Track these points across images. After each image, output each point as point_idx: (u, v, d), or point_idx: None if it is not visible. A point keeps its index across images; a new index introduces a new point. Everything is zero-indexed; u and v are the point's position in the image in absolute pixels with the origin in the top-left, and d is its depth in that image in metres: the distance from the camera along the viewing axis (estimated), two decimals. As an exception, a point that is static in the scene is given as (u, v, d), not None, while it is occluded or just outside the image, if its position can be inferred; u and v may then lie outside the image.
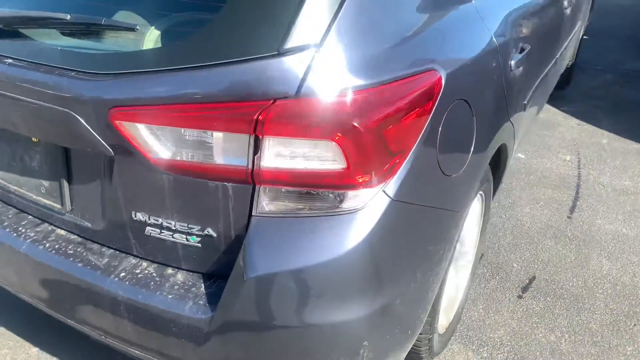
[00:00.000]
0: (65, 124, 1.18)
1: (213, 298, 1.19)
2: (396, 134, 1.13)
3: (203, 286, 1.24)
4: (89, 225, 1.35)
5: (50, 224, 1.44)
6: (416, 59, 1.22)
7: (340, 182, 1.10)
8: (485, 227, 2.15)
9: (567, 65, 4.19)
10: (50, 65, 1.18)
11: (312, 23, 1.06)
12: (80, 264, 1.31)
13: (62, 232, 1.42)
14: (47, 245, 1.38)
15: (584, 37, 4.83)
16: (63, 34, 1.22)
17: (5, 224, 1.47)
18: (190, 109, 1.07)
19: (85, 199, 1.33)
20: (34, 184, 1.42)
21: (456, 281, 1.94)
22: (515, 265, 2.46)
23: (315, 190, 1.12)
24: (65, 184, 1.34)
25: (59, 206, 1.38)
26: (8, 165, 1.47)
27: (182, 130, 1.10)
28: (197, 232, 1.20)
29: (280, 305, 1.14)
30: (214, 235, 1.19)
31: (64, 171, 1.33)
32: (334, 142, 1.05)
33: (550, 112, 4.14)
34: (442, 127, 1.26)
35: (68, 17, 1.14)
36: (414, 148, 1.18)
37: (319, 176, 1.09)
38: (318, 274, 1.13)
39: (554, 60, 2.63)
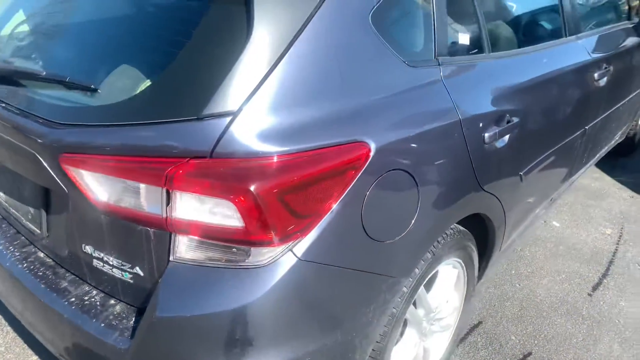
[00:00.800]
0: (32, 162, 1.37)
1: (135, 332, 1.31)
2: (304, 200, 1.20)
3: (133, 320, 1.36)
4: (58, 251, 1.53)
5: (34, 246, 1.64)
6: (344, 130, 1.28)
7: (242, 239, 1.18)
8: (471, 295, 2.11)
9: (629, 134, 3.99)
10: (27, 112, 1.38)
11: (232, 93, 1.18)
12: (43, 285, 1.49)
13: (41, 254, 1.61)
14: (25, 264, 1.57)
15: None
16: (41, 85, 1.43)
17: (2, 241, 1.69)
18: (118, 160, 1.22)
19: (57, 228, 1.51)
20: (25, 210, 1.64)
21: (424, 345, 1.92)
22: (514, 337, 2.37)
23: (224, 244, 1.22)
24: (44, 213, 1.54)
25: (39, 231, 1.58)
26: (11, 192, 1.71)
27: (115, 178, 1.25)
28: (128, 269, 1.33)
29: (182, 348, 1.24)
30: (141, 274, 1.31)
31: (43, 202, 1.53)
32: (232, 203, 1.14)
33: (604, 182, 3.93)
34: (369, 195, 1.31)
35: (44, 73, 1.35)
36: (329, 213, 1.25)
37: (222, 231, 1.19)
38: (221, 322, 1.21)
39: (579, 132, 2.55)
